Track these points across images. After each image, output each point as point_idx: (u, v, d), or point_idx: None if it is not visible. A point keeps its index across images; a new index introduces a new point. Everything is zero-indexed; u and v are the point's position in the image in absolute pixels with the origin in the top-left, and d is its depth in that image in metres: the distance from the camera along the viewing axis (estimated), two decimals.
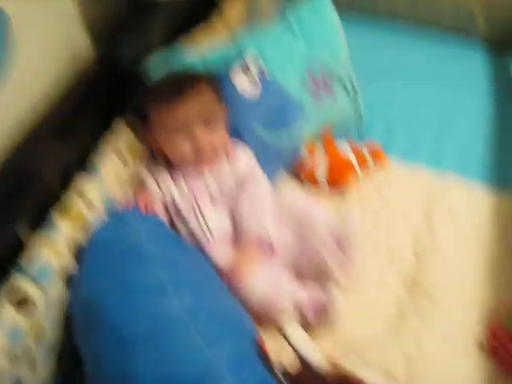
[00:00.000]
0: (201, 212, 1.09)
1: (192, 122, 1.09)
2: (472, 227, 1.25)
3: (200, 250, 1.06)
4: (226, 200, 1.12)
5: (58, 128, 1.03)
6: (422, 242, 1.22)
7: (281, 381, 0.78)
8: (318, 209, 1.13)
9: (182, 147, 1.10)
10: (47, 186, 0.98)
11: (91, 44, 1.17)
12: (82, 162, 1.06)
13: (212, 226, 1.08)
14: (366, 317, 1.10)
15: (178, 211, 1.11)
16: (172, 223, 1.12)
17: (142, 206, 1.03)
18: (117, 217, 0.97)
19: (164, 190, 1.13)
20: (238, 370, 0.73)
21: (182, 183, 1.13)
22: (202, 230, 1.07)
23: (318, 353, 0.82)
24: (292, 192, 1.17)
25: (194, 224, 1.08)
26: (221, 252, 1.06)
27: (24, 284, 0.85)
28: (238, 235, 1.08)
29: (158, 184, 1.14)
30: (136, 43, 1.22)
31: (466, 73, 1.61)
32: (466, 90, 1.55)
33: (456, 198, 1.30)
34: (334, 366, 0.81)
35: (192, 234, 1.08)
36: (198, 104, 1.09)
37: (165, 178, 1.14)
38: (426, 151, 1.41)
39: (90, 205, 1.00)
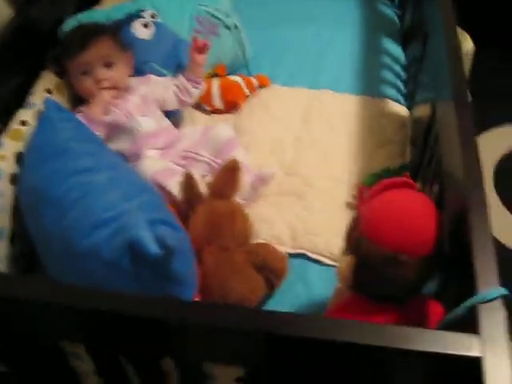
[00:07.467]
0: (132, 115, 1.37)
1: (93, 65, 1.39)
2: (343, 126, 1.57)
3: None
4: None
5: None
6: (300, 140, 1.53)
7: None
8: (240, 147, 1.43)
9: (86, 84, 1.40)
10: None
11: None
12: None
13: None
14: None
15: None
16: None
17: None
18: (45, 123, 1.20)
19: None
20: (148, 213, 1.01)
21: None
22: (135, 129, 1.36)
23: None
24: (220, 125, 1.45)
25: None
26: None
27: None
28: None
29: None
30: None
31: (338, 15, 1.94)
32: (338, 28, 1.88)
33: (330, 105, 1.62)
34: None
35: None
36: (96, 51, 1.39)
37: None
38: (306, 78, 1.72)
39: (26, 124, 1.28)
